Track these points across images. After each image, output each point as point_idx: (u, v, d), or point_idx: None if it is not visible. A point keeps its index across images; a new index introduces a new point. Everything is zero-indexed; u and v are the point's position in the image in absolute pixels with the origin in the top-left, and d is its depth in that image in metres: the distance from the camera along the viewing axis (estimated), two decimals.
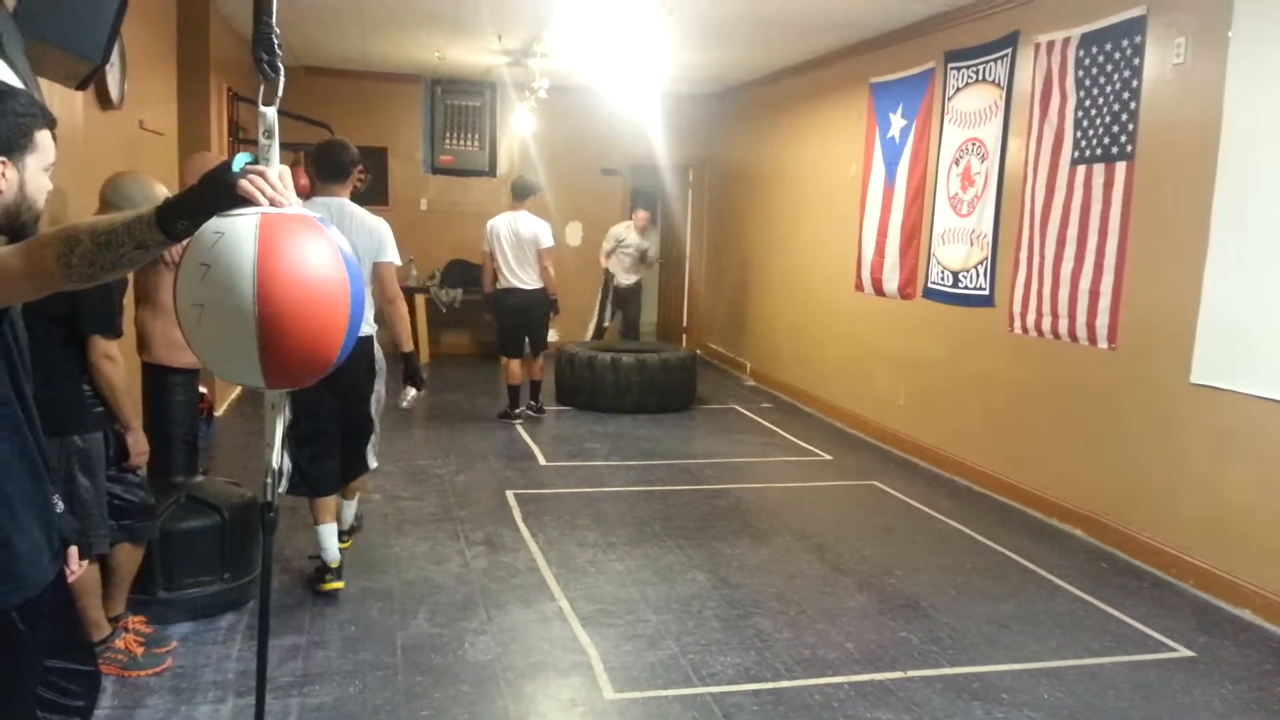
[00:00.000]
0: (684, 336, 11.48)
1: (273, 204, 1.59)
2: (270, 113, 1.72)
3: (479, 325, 10.60)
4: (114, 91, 4.69)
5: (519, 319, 7.31)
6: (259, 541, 4.09)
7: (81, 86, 3.97)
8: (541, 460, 6.35)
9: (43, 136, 1.81)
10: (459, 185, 10.62)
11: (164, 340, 3.92)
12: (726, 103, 10.35)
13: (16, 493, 1.81)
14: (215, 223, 1.59)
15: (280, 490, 4.79)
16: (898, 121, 7.00)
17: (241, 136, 8.09)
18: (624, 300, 9.58)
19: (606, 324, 9.66)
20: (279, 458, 1.80)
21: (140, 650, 3.33)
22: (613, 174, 10.80)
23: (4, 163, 1.73)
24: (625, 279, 9.52)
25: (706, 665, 3.50)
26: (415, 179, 10.51)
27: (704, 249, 11.17)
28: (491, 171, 10.69)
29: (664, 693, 3.30)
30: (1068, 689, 3.40)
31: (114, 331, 3.14)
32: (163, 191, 3.46)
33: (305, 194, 8.22)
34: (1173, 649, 3.77)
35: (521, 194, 7.35)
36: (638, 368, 7.79)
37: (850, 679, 3.43)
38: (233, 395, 7.78)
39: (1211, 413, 4.35)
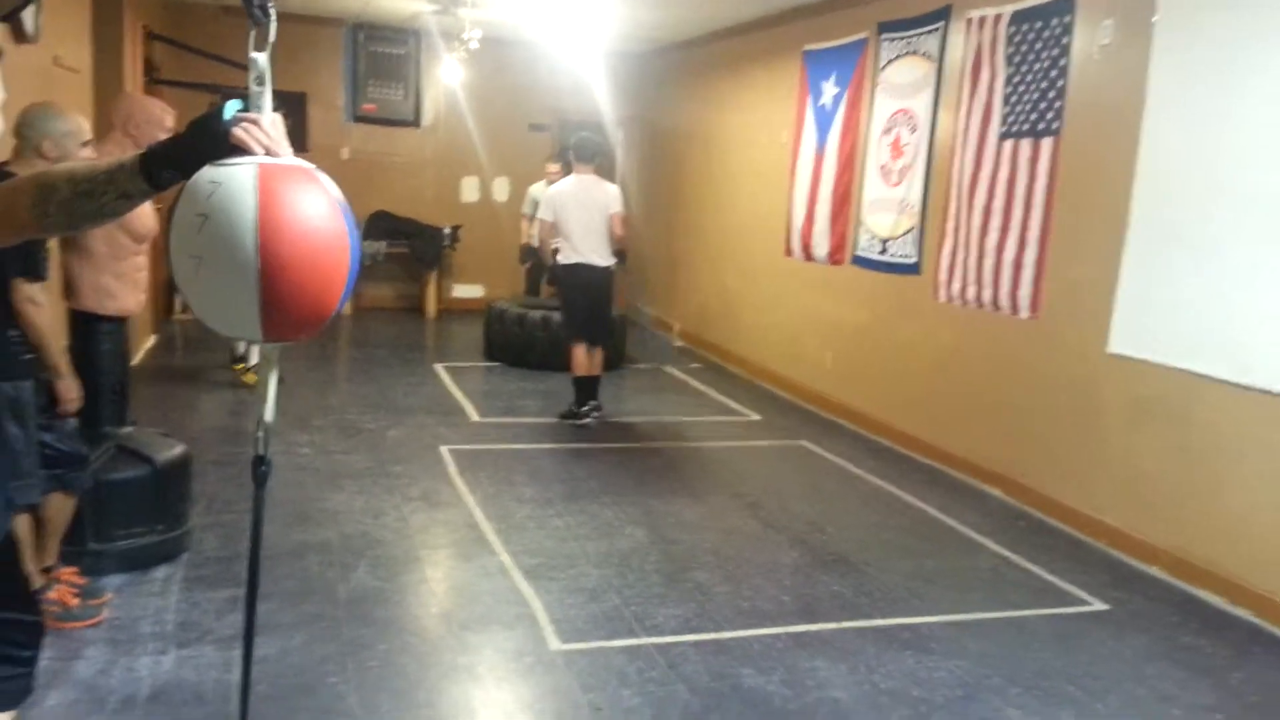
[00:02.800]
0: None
1: (268, 153, 1.56)
2: (261, 58, 1.66)
3: (401, 279, 10.46)
4: (29, 25, 4.45)
5: (587, 299, 6.36)
6: (190, 493, 4.02)
7: (8, 18, 3.77)
8: (474, 416, 6.32)
9: None
10: (384, 135, 10.38)
11: (92, 287, 3.79)
12: (659, 62, 10.31)
13: None
14: (210, 172, 1.54)
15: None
16: (830, 90, 7.08)
17: (155, 76, 7.77)
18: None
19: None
20: (271, 411, 1.78)
21: (75, 602, 3.25)
22: (540, 129, 10.68)
23: None
24: None
25: (649, 617, 3.57)
26: (336, 127, 10.22)
27: (633, 209, 11.15)
28: (416, 122, 10.45)
29: (609, 643, 3.36)
30: (992, 640, 3.58)
31: (36, 274, 3.01)
32: (75, 124, 3.31)
33: None
34: (1088, 603, 3.98)
35: (587, 155, 6.40)
36: None
37: (788, 629, 3.55)
38: (148, 344, 7.53)
39: (1127, 381, 4.57)
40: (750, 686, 3.12)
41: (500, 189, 10.62)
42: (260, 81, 1.68)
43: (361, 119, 10.31)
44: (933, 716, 3.02)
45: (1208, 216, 4.19)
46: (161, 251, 6.04)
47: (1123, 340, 4.61)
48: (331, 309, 1.67)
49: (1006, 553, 4.47)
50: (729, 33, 8.59)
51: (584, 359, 6.32)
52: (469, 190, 10.69)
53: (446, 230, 10.12)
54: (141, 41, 7.24)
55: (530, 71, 10.07)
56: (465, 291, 10.60)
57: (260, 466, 1.91)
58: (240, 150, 1.53)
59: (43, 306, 3.02)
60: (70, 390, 3.21)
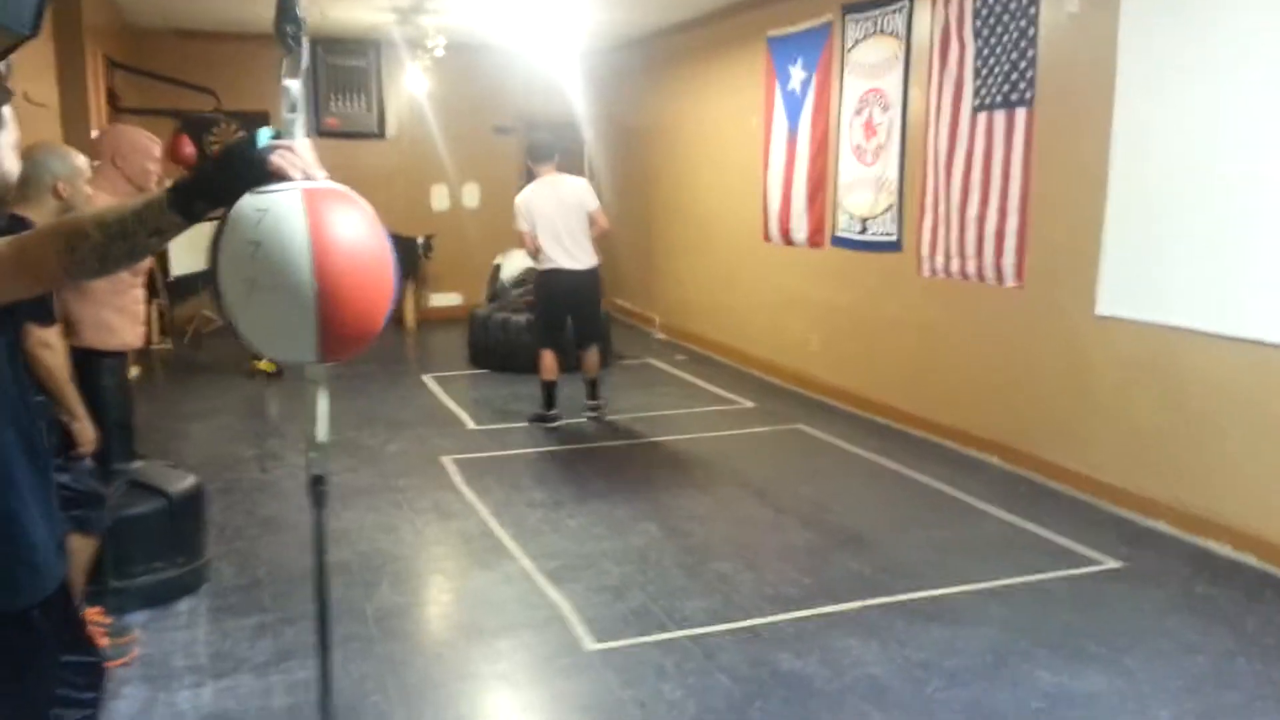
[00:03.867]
0: None
1: (305, 177, 1.57)
2: (294, 86, 1.68)
3: None
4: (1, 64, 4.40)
5: (566, 304, 6.20)
6: (206, 524, 4.00)
7: None
8: (470, 424, 6.32)
9: (8, 111, 1.74)
10: (349, 148, 10.29)
11: (93, 323, 3.74)
12: (624, 57, 10.30)
13: (25, 483, 1.74)
14: (253, 200, 1.55)
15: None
16: (798, 74, 7.14)
17: (118, 105, 7.67)
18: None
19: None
20: (324, 432, 1.79)
21: (105, 642, 3.22)
22: (505, 132, 10.64)
23: None
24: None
25: (678, 610, 3.61)
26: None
27: (607, 205, 11.11)
28: (380, 133, 10.42)
29: (643, 639, 3.39)
30: (1015, 605, 3.65)
31: (49, 318, 2.99)
32: (83, 160, 3.29)
33: (190, 163, 7.91)
34: (1100, 562, 4.07)
35: (545, 156, 6.21)
36: None
37: (816, 611, 3.60)
38: (131, 374, 7.44)
39: (1117, 342, 4.66)
40: (789, 670, 3.17)
41: (470, 195, 10.59)
42: (293, 109, 1.70)
43: (325, 134, 10.24)
44: (971, 685, 3.09)
45: (1186, 172, 4.28)
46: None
47: (1110, 302, 4.70)
48: (380, 325, 1.72)
49: (1013, 518, 4.55)
50: (693, 23, 8.60)
51: (551, 363, 6.23)
52: (439, 199, 10.64)
53: (420, 240, 10.07)
54: (103, 71, 7.14)
55: (495, 75, 10.03)
56: (443, 300, 10.57)
57: (318, 486, 1.93)
58: (277, 177, 1.54)
59: (55, 349, 2.99)
60: (87, 432, 3.19)
